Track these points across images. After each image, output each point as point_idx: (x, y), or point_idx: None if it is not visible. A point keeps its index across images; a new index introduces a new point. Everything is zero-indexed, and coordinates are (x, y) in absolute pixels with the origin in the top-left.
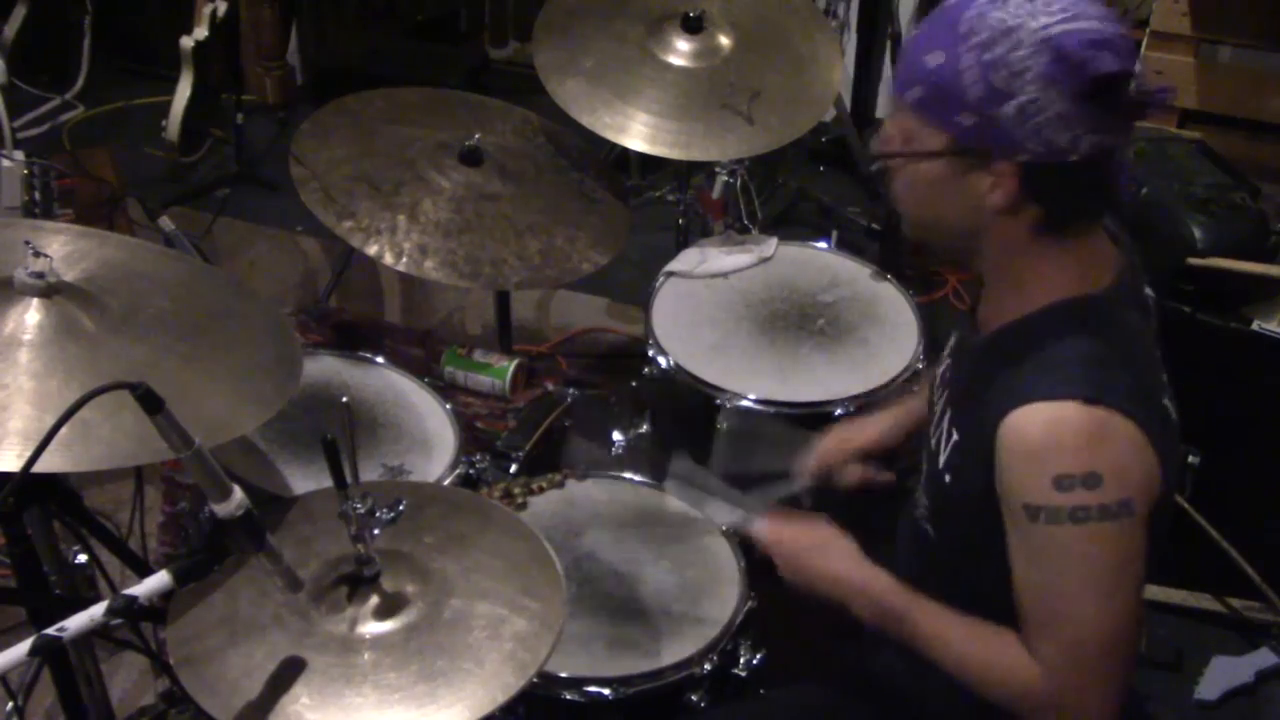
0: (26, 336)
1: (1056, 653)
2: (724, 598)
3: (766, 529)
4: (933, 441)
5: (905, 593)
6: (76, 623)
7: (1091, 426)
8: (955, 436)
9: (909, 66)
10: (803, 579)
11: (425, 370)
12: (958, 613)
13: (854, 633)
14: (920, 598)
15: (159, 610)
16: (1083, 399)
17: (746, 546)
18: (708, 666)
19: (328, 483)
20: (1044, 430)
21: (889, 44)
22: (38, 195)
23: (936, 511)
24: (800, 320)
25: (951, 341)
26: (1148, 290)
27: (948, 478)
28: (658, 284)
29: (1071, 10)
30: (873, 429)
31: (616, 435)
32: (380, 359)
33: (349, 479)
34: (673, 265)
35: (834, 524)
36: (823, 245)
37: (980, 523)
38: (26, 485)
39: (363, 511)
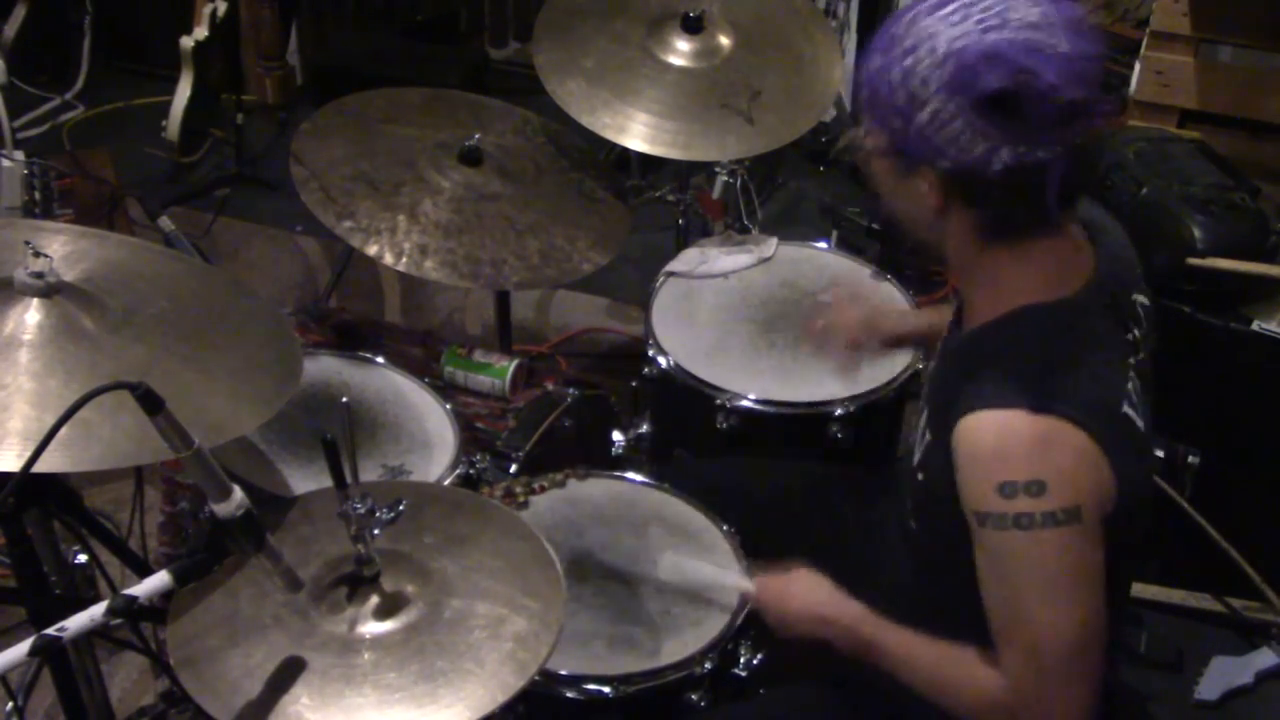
0: (26, 336)
1: (1015, 659)
2: (724, 597)
3: (754, 594)
4: (913, 437)
5: (874, 622)
6: (76, 623)
7: (1036, 435)
8: (929, 437)
9: (860, 69)
10: (788, 624)
11: (425, 370)
12: (923, 636)
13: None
14: (888, 625)
15: (159, 610)
16: (1029, 408)
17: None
18: (708, 666)
19: (328, 483)
20: (989, 437)
21: None
22: (38, 195)
23: (916, 507)
24: (800, 320)
25: (943, 339)
26: (1137, 296)
27: (920, 475)
28: (658, 284)
29: (1000, 18)
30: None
31: (616, 435)
32: (380, 359)
33: (349, 479)
34: (673, 265)
35: (810, 567)
36: (823, 245)
37: (953, 522)
38: (26, 485)
39: (363, 511)
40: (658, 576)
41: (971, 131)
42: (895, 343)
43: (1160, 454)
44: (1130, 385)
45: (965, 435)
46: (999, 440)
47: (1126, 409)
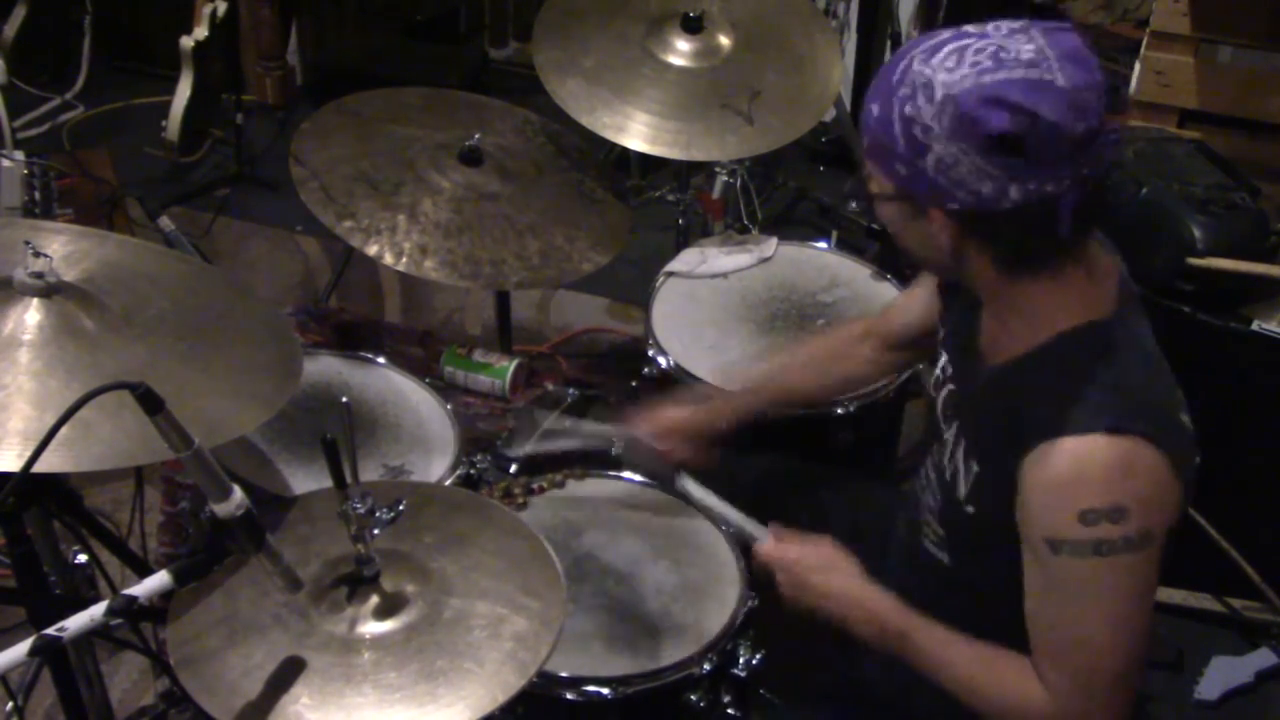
0: (26, 336)
1: (1067, 680)
2: (724, 598)
3: (770, 548)
4: (947, 472)
5: (908, 613)
6: (76, 623)
7: (1118, 459)
8: (977, 469)
9: (862, 115)
10: (805, 598)
11: (425, 370)
12: (961, 635)
13: (849, 639)
14: (923, 619)
15: (159, 610)
16: (1109, 430)
17: (746, 557)
18: (707, 666)
19: (328, 483)
20: (1070, 465)
21: (889, 44)
22: (38, 195)
23: (954, 540)
24: (800, 320)
25: (944, 367)
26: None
27: (970, 509)
28: (658, 284)
29: (994, 60)
30: (709, 412)
31: None
32: (380, 359)
33: (349, 479)
34: (673, 265)
35: (837, 544)
36: (823, 245)
37: (1001, 552)
38: (26, 485)
39: (363, 511)
40: (661, 582)
41: (978, 173)
42: (735, 421)
43: None
44: (1179, 391)
45: (1040, 464)
46: (1079, 467)
47: (1183, 416)
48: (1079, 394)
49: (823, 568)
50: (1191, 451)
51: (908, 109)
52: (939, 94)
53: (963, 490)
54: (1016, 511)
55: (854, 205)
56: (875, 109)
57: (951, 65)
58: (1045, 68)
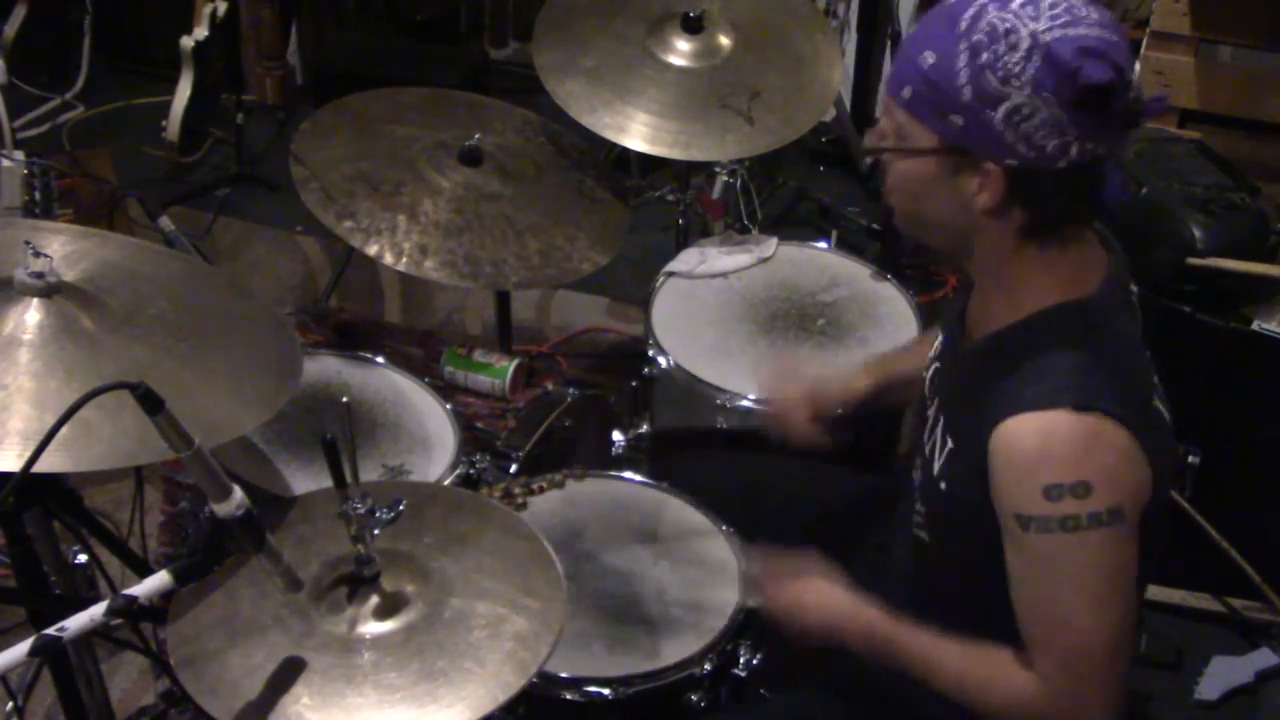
0: (26, 336)
1: (1053, 662)
2: (724, 598)
3: (765, 583)
4: (927, 448)
5: (893, 621)
6: (76, 623)
7: (1082, 435)
8: (950, 444)
9: (904, 64)
10: (799, 622)
11: (425, 370)
12: (946, 636)
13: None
14: (907, 624)
15: (159, 610)
16: (1073, 407)
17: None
18: (708, 666)
19: (328, 483)
20: (1034, 440)
21: (889, 44)
22: (38, 195)
23: (933, 519)
24: (800, 320)
25: (938, 345)
26: (1133, 287)
27: (943, 485)
28: (658, 284)
29: (1070, 15)
30: (840, 388)
31: (616, 435)
32: (380, 359)
33: (349, 479)
34: (673, 265)
35: (822, 561)
36: (823, 245)
37: (977, 531)
38: (26, 485)
39: (363, 511)
40: (661, 582)
41: (1051, 126)
42: (855, 404)
43: None
44: (1155, 378)
45: (1006, 439)
46: (1043, 442)
47: (1157, 402)
48: (1047, 370)
49: (810, 589)
50: (1164, 438)
51: (985, 56)
52: (1024, 42)
53: (937, 467)
54: (990, 490)
55: (868, 161)
56: (928, 59)
57: (1031, 14)
58: (1111, 29)
